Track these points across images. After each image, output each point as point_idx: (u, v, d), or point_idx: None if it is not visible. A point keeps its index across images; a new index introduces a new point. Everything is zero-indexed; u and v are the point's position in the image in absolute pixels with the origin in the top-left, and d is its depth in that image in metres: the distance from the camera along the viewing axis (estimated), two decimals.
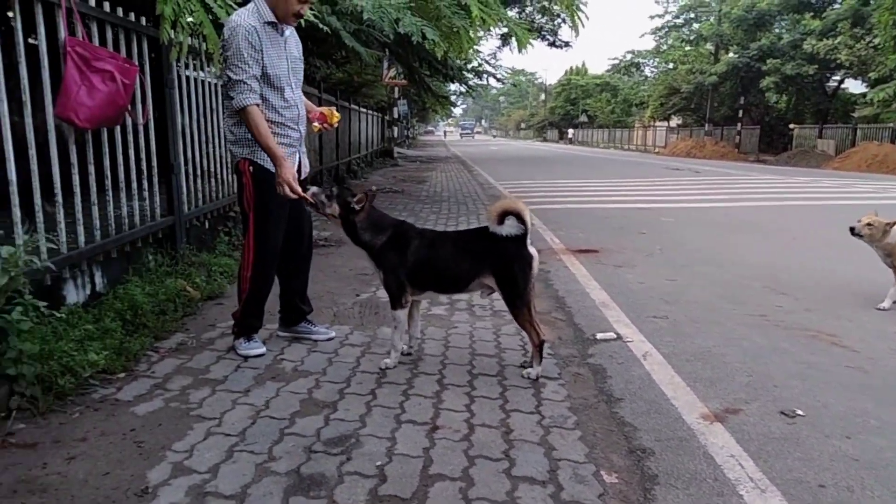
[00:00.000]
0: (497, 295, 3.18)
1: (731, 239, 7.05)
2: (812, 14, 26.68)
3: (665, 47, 43.01)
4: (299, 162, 3.22)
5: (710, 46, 36.05)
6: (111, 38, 3.61)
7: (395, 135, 25.67)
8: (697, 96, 33.92)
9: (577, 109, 58.09)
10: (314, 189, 3.04)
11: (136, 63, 3.76)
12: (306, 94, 9.94)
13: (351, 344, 3.42)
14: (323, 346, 3.36)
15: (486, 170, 18.62)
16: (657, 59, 45.54)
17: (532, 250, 2.90)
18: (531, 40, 9.13)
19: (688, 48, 39.26)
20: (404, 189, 12.11)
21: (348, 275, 4.99)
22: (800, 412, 2.68)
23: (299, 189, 2.89)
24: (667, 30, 42.14)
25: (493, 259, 2.92)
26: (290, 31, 3.07)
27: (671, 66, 40.58)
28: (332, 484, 2.04)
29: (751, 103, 31.02)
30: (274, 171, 2.93)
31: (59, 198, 3.20)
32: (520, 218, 2.84)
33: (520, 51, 9.14)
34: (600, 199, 10.99)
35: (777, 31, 30.17)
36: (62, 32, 3.05)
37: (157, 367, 3.02)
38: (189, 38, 4.35)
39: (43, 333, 2.77)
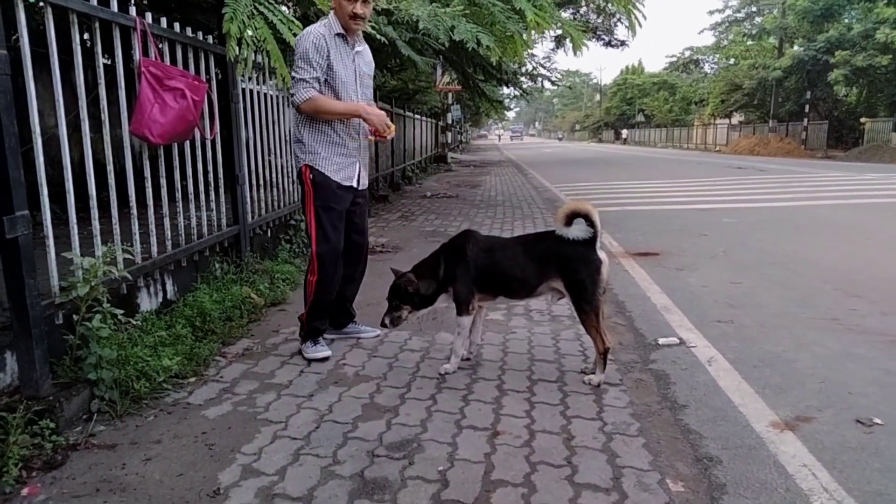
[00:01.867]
0: (551, 299, 3.19)
1: (800, 239, 6.79)
2: (886, 2, 25.37)
3: (725, 43, 41.80)
4: (358, 174, 3.28)
5: (773, 40, 34.84)
6: (181, 56, 3.77)
7: (449, 140, 25.79)
8: (760, 92, 32.82)
9: (633, 109, 57.07)
10: (387, 320, 3.15)
11: (205, 80, 3.91)
12: None
13: (410, 349, 3.46)
14: (383, 352, 3.42)
15: (540, 173, 18.50)
16: (717, 55, 44.25)
17: (602, 254, 2.87)
18: (586, 41, 9.03)
19: (749, 43, 38.06)
20: (458, 194, 12.16)
21: None
22: (878, 420, 2.56)
23: (384, 123, 3.15)
24: (727, 25, 40.97)
25: (561, 263, 2.90)
26: (362, 48, 3.20)
27: (732, 61, 39.37)
28: (395, 488, 2.08)
29: (818, 97, 29.78)
30: (335, 179, 3.16)
31: (134, 210, 3.37)
32: (588, 220, 2.81)
33: (575, 53, 9.08)
34: (659, 200, 10.76)
35: (846, 21, 28.83)
36: (137, 53, 3.21)
37: (225, 371, 3.13)
38: (253, 54, 4.49)
39: (120, 340, 2.91)
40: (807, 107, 29.52)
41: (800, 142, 29.01)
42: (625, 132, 58.01)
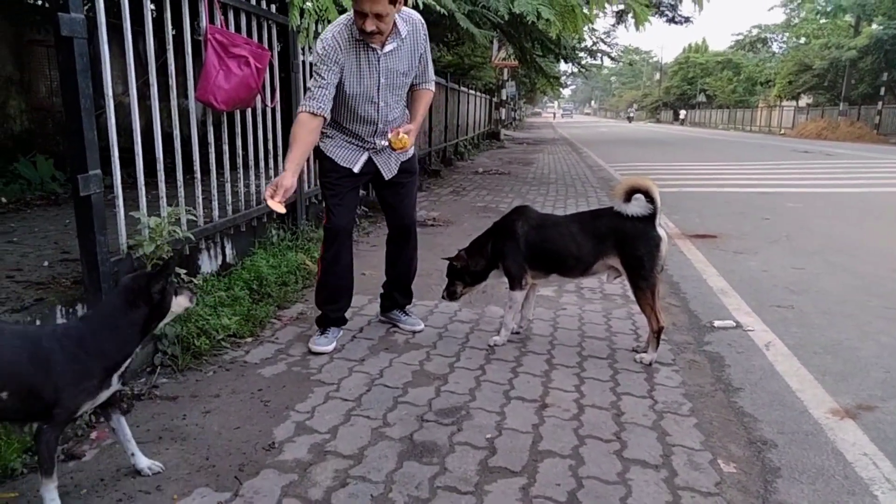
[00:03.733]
0: (605, 278, 3.15)
1: (868, 227, 6.49)
2: None
3: (796, 20, 39.85)
4: (366, 161, 2.95)
5: (849, 18, 33.04)
6: (245, 24, 3.84)
7: (503, 116, 25.54)
8: (832, 73, 31.30)
9: (694, 89, 55.23)
10: (444, 295, 3.30)
11: (268, 48, 3.97)
12: None
13: (460, 321, 3.48)
14: (433, 321, 3.45)
15: (594, 152, 18.16)
16: (787, 34, 42.27)
17: (661, 231, 2.81)
18: (649, 17, 8.75)
19: (823, 21, 36.16)
20: (511, 171, 12.06)
21: None
22: None
23: (270, 200, 2.53)
24: (799, 2, 38.97)
25: (618, 239, 2.85)
26: (395, 44, 2.74)
27: (803, 40, 37.59)
28: (443, 452, 2.11)
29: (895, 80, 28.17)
30: (333, 158, 2.94)
31: (198, 175, 3.46)
32: (648, 196, 2.76)
33: (637, 28, 8.79)
34: (719, 182, 10.43)
35: None
36: (203, 21, 3.28)
37: (280, 333, 3.22)
38: (315, 24, 4.53)
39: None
40: (882, 89, 27.98)
41: (872, 126, 27.57)
42: (682, 112, 56.22)
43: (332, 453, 2.09)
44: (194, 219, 3.34)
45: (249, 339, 3.09)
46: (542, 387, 2.64)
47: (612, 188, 2.94)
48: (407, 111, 3.05)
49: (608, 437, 2.23)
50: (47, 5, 6.61)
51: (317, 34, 4.85)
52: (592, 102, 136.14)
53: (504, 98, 24.28)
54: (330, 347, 3.01)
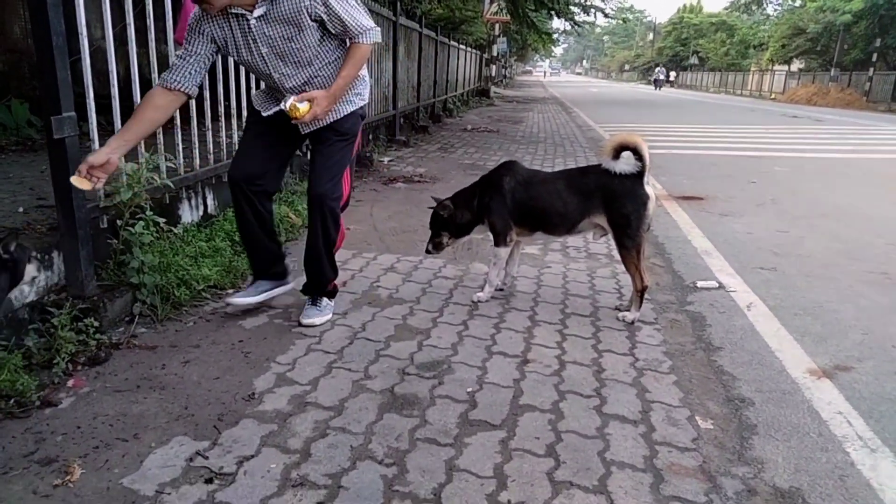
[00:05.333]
0: (591, 236, 3.13)
1: (854, 192, 6.51)
2: None
3: None
4: (287, 106, 2.37)
5: None
6: None
7: (493, 74, 25.16)
8: (825, 38, 31.03)
9: (687, 50, 54.63)
10: (430, 247, 3.16)
11: None
12: (407, 28, 9.84)
13: (444, 277, 3.47)
14: (417, 277, 3.43)
15: (585, 112, 17.99)
16: None
17: (649, 189, 2.78)
18: None
19: None
20: (500, 129, 11.93)
21: None
22: None
23: (73, 177, 2.17)
24: None
25: (605, 197, 2.81)
26: (264, 8, 2.29)
27: (798, 3, 37.11)
28: (424, 405, 2.11)
29: (889, 46, 28.00)
30: (252, 100, 2.70)
31: (178, 122, 3.37)
32: (637, 153, 2.72)
33: None
34: (708, 145, 10.39)
35: None
36: None
37: None
38: None
39: (162, 248, 2.97)
40: (874, 56, 27.84)
41: (862, 93, 27.52)
42: (672, 74, 55.62)
43: (313, 404, 2.09)
44: (174, 167, 3.26)
45: (231, 291, 3.05)
46: (524, 343, 2.64)
47: (601, 145, 2.89)
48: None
49: (588, 392, 2.25)
50: None
51: None
52: (584, 62, 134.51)
53: (495, 54, 23.92)
54: (244, 301, 2.75)
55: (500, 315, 2.93)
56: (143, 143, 3.05)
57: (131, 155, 2.98)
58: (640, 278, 2.83)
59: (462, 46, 17.82)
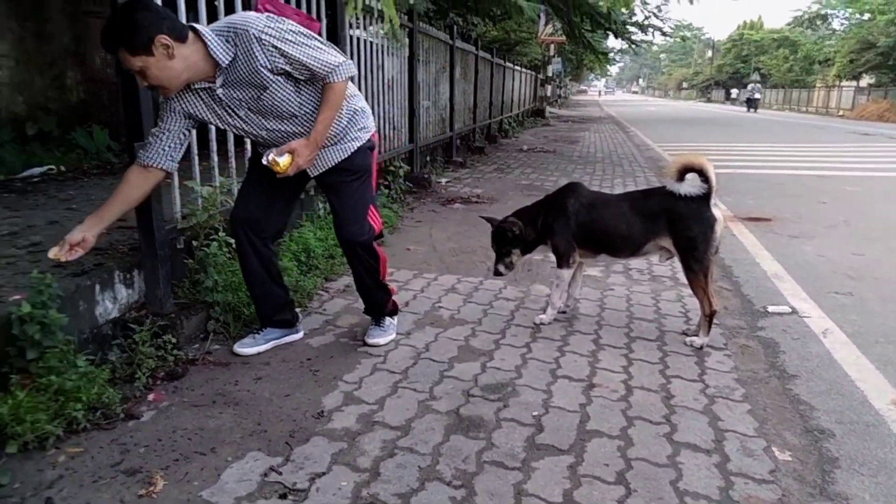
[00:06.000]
0: (657, 259, 3.08)
1: None
2: None
3: None
4: (267, 161, 2.30)
5: None
6: None
7: (548, 94, 25.14)
8: None
9: (748, 67, 53.33)
10: (499, 266, 3.12)
11: (317, 19, 3.96)
12: (463, 51, 9.95)
13: (505, 298, 3.46)
14: (478, 298, 3.44)
15: (642, 131, 17.75)
16: (850, 10, 40.26)
17: (716, 211, 2.72)
18: None
19: None
20: (556, 149, 11.89)
21: None
22: None
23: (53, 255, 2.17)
24: None
25: (670, 220, 2.77)
26: (223, 77, 2.20)
27: (867, 17, 35.75)
28: (490, 427, 2.11)
29: None
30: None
31: (248, 145, 3.49)
32: (703, 175, 2.67)
33: (691, 2, 8.49)
34: (773, 164, 10.09)
35: None
36: None
37: (327, 305, 3.26)
38: None
39: (233, 267, 3.07)
40: None
41: None
42: (735, 91, 54.32)
43: (380, 424, 2.11)
44: None
45: (298, 310, 3.12)
46: (589, 367, 2.61)
47: (664, 167, 2.84)
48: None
49: (657, 419, 2.20)
50: None
51: (365, 6, 4.82)
52: (640, 80, 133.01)
53: (550, 74, 23.90)
54: (251, 350, 2.65)
55: (563, 338, 2.91)
56: (216, 165, 3.19)
57: (204, 178, 3.13)
58: (708, 302, 2.76)
59: (517, 67, 17.91)
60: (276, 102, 2.28)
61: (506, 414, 2.20)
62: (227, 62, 2.16)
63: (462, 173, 8.32)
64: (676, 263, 3.05)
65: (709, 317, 2.78)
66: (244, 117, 2.32)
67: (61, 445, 1.94)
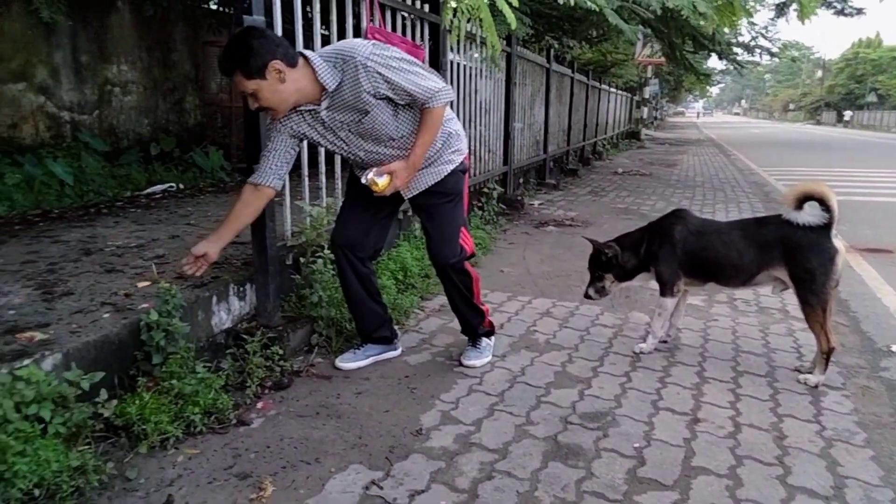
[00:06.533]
0: (769, 290, 2.94)
1: None
2: None
3: None
4: (367, 180, 2.39)
5: None
6: (400, 24, 3.98)
7: (644, 115, 24.60)
8: None
9: (863, 88, 50.08)
10: (591, 292, 3.08)
11: (423, 46, 4.09)
12: (559, 73, 9.95)
13: (602, 324, 3.40)
14: (574, 323, 3.39)
15: (745, 154, 16.98)
16: None
17: (837, 243, 2.57)
18: (816, 9, 8.03)
19: None
20: (652, 172, 11.58)
21: None
22: None
23: (185, 268, 2.33)
24: None
25: (787, 250, 2.63)
26: (328, 101, 2.30)
27: None
28: (589, 457, 2.06)
29: None
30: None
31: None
32: (823, 203, 2.53)
33: (802, 21, 8.09)
34: (892, 191, 9.37)
35: None
36: (364, 20, 3.44)
37: (423, 324, 3.31)
38: (466, 22, 4.60)
39: (336, 283, 3.18)
40: None
41: None
42: (848, 114, 51.06)
43: (477, 445, 2.12)
44: None
45: (395, 327, 3.20)
46: (694, 400, 2.51)
47: (782, 194, 2.71)
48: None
49: (769, 459, 2.08)
50: (228, 10, 7.25)
51: (468, 34, 4.92)
52: (743, 102, 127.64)
53: (646, 96, 23.40)
54: (352, 365, 2.73)
55: (664, 368, 2.81)
56: (324, 185, 3.33)
57: (314, 197, 3.28)
58: (825, 339, 2.59)
59: (612, 89, 17.67)
60: (375, 126, 2.35)
61: (605, 444, 2.15)
62: (333, 87, 2.26)
63: (555, 195, 8.26)
64: (789, 296, 2.90)
65: (826, 354, 2.61)
66: (345, 138, 2.41)
67: (180, 446, 2.06)
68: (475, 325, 2.85)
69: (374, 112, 2.32)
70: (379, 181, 2.35)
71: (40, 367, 1.92)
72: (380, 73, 2.23)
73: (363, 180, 2.38)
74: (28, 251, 3.23)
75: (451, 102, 2.47)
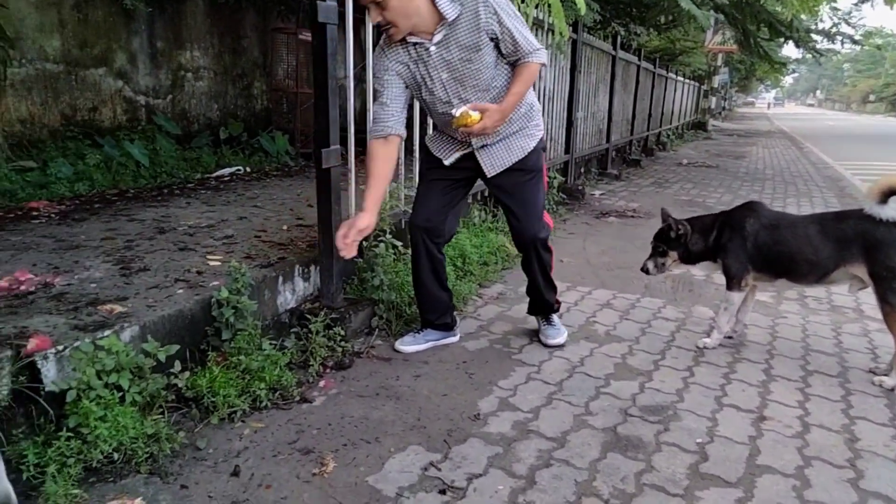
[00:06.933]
0: (845, 288, 2.81)
1: None
2: None
3: None
4: (462, 156, 2.59)
5: None
6: None
7: (712, 105, 23.77)
8: None
9: None
10: (650, 265, 3.03)
11: None
12: (625, 61, 9.72)
13: (664, 318, 3.33)
14: (635, 315, 3.34)
15: (819, 147, 16.22)
16: None
17: None
18: None
19: None
20: (719, 164, 11.21)
21: None
22: None
23: (341, 242, 2.30)
24: None
25: (867, 246, 2.51)
26: (444, 33, 2.31)
27: None
28: (649, 450, 2.04)
29: None
30: (429, 147, 2.71)
31: (415, 153, 3.66)
32: None
33: (891, 6, 7.64)
34: None
35: None
36: None
37: (481, 310, 3.32)
38: (534, 10, 4.54)
39: (397, 268, 3.23)
40: None
41: None
42: None
43: (535, 433, 2.12)
44: (410, 194, 3.53)
45: (455, 314, 3.22)
46: (760, 398, 2.43)
47: (868, 188, 2.58)
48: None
49: (840, 462, 2.00)
50: None
51: (536, 20, 4.86)
52: (818, 92, 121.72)
53: (715, 86, 22.61)
54: (412, 348, 2.77)
55: (729, 365, 2.74)
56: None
57: None
58: None
59: (679, 77, 17.15)
60: (479, 69, 2.38)
61: (666, 438, 2.11)
62: (452, 17, 2.29)
63: (617, 186, 8.11)
64: (865, 295, 2.77)
65: None
66: (444, 82, 2.41)
67: (246, 420, 2.14)
68: (552, 302, 2.91)
69: (483, 51, 2.35)
70: (473, 114, 2.35)
71: (119, 338, 2.03)
72: (496, 13, 2.29)
73: (456, 112, 2.37)
74: (107, 228, 3.40)
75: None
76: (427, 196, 2.69)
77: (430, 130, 3.00)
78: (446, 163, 2.56)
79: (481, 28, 2.29)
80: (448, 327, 2.88)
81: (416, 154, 3.65)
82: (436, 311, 2.82)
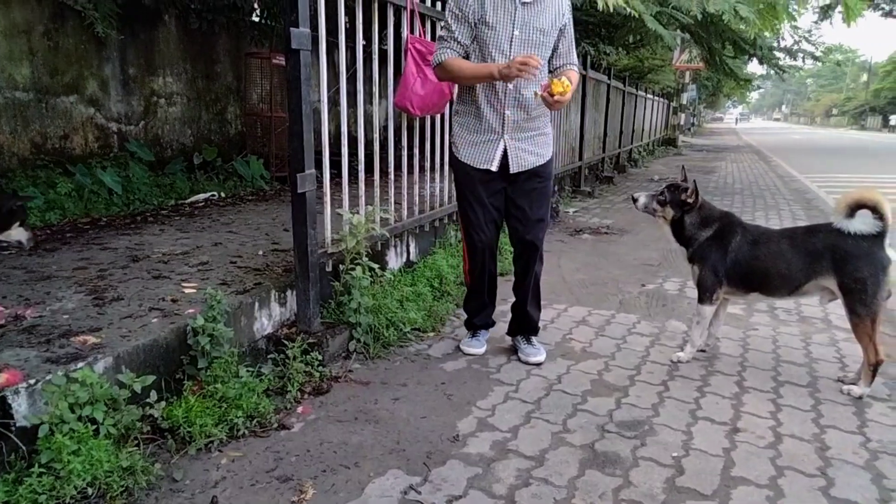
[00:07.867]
0: (809, 300, 2.88)
1: None
2: None
3: None
4: (503, 153, 2.71)
5: None
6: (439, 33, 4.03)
7: (681, 122, 24.25)
8: None
9: None
10: (643, 199, 3.04)
11: None
12: (595, 80, 9.87)
13: (639, 333, 3.38)
14: (610, 332, 3.38)
15: (786, 161, 16.61)
16: None
17: (892, 253, 2.53)
18: (863, 10, 7.82)
19: None
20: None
21: (633, 263, 4.90)
22: None
23: (519, 65, 2.40)
24: None
25: (836, 259, 2.58)
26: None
27: None
28: (626, 465, 2.06)
29: None
30: (464, 161, 2.78)
31: (391, 178, 3.70)
32: (876, 212, 2.48)
33: (847, 24, 7.90)
34: None
35: None
36: (405, 31, 3.49)
37: (459, 331, 3.33)
38: None
39: (374, 291, 3.24)
40: None
41: None
42: (894, 118, 49.48)
43: (514, 452, 2.13)
44: (388, 217, 3.56)
45: (432, 334, 3.24)
46: (733, 410, 2.48)
47: (836, 201, 2.66)
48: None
49: (811, 471, 2.05)
50: (270, 23, 7.42)
51: None
52: (783, 107, 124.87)
53: (684, 102, 23.08)
54: (482, 350, 3.04)
55: (703, 378, 2.79)
56: (363, 194, 3.39)
57: (351, 206, 3.33)
58: (873, 351, 2.54)
59: (648, 95, 17.49)
60: (544, 43, 2.64)
61: (643, 453, 2.14)
62: None
63: (590, 203, 8.21)
64: (833, 305, 2.85)
65: (873, 366, 2.56)
66: (515, 37, 2.59)
67: (223, 449, 2.13)
68: (536, 320, 3.03)
69: (549, 36, 2.64)
70: (565, 80, 2.45)
71: (93, 369, 2.00)
72: (566, 12, 2.68)
73: (541, 87, 2.52)
74: (79, 258, 3.36)
75: None
76: (483, 212, 2.81)
77: (448, 149, 3.10)
78: (493, 167, 2.72)
79: (562, 16, 2.65)
80: (492, 325, 3.16)
81: (391, 175, 3.69)
82: (487, 318, 3.10)
